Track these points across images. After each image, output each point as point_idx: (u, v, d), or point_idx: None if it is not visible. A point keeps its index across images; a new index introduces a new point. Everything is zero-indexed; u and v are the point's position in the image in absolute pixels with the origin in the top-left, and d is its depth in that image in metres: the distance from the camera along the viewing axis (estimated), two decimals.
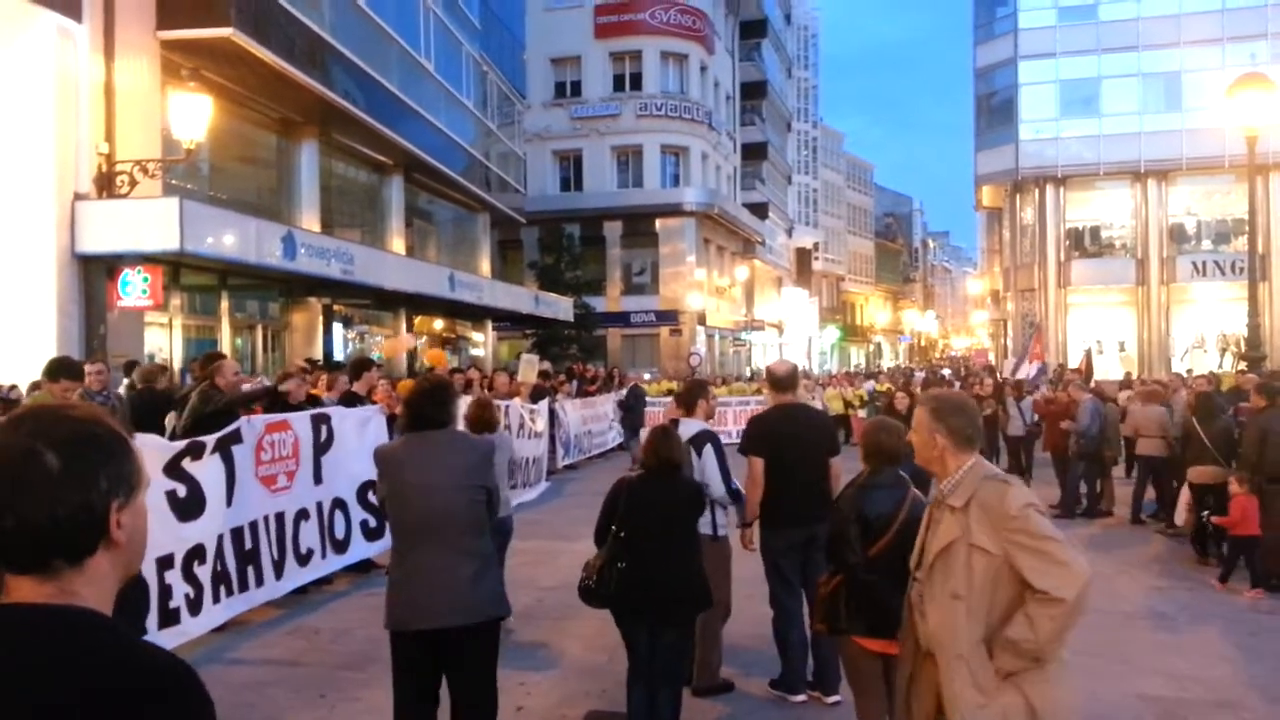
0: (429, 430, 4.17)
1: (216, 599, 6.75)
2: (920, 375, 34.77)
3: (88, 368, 8.59)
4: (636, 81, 37.72)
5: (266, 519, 7.51)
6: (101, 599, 1.34)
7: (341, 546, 8.50)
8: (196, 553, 6.55)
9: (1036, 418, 15.11)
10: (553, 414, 16.00)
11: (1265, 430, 8.73)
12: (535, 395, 14.58)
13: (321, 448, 8.28)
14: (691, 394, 6.44)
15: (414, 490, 4.06)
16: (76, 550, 1.31)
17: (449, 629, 3.98)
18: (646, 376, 26.91)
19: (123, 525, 1.35)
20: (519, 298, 26.15)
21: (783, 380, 6.10)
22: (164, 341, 14.16)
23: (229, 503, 6.94)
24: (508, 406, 12.48)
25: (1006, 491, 3.07)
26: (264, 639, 7.04)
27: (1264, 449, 8.64)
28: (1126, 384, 16.39)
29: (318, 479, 8.22)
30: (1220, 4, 34.63)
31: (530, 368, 15.03)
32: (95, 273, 11.62)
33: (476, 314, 25.62)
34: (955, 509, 3.11)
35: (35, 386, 7.91)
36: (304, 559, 7.97)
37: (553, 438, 15.91)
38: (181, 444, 6.67)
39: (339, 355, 18.88)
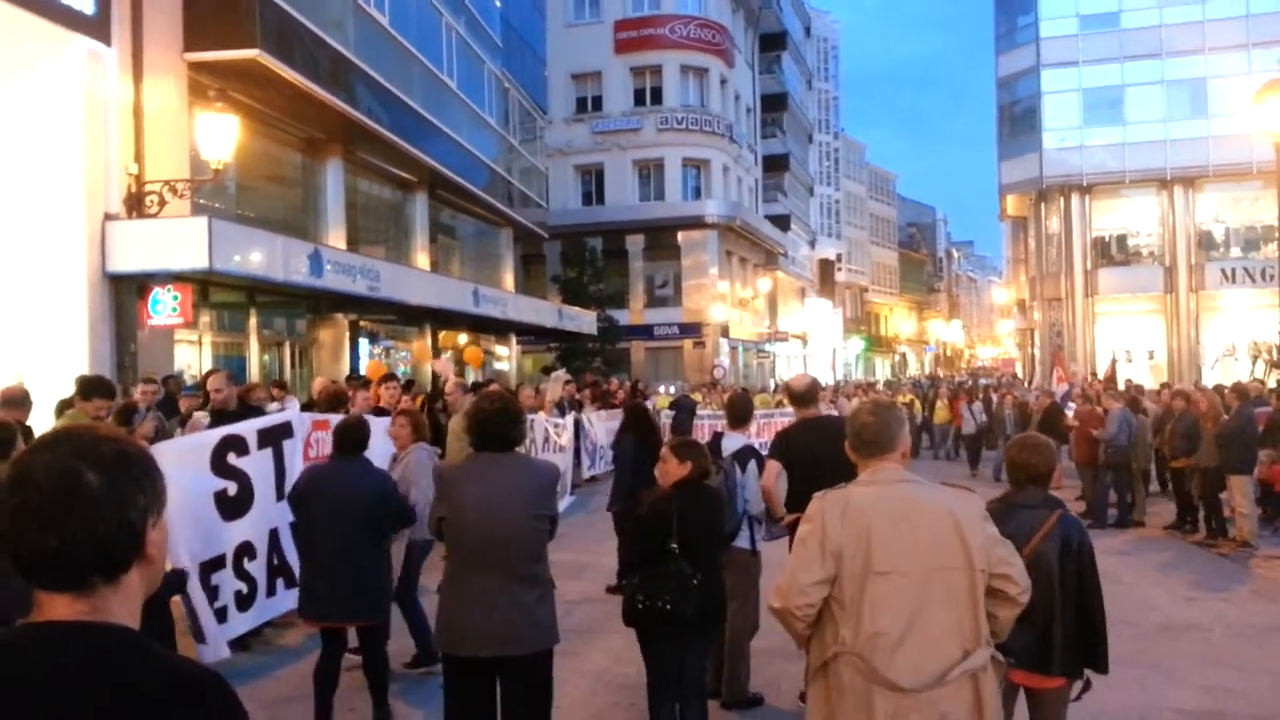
0: (498, 451, 4.01)
1: (272, 592, 6.87)
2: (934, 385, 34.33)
3: (142, 386, 8.72)
4: (657, 95, 37.78)
5: None
6: (132, 614, 1.37)
7: None
8: (246, 549, 6.64)
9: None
10: (578, 425, 16.04)
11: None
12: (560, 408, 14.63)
13: None
14: (740, 408, 6.41)
15: (479, 511, 3.88)
16: (114, 567, 1.33)
17: (505, 657, 3.84)
18: (671, 389, 26.80)
19: (153, 542, 1.38)
20: (542, 312, 26.21)
21: (802, 395, 6.10)
22: (194, 359, 14.28)
23: (280, 495, 6.91)
24: (533, 420, 12.52)
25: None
26: (295, 654, 7.08)
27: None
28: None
29: None
30: (1245, 9, 34.30)
31: (559, 385, 15.12)
32: (126, 291, 11.75)
33: (500, 328, 25.69)
34: None
35: (67, 404, 7.99)
36: None
37: (578, 450, 15.93)
38: (216, 436, 6.71)
39: (365, 370, 18.97)
